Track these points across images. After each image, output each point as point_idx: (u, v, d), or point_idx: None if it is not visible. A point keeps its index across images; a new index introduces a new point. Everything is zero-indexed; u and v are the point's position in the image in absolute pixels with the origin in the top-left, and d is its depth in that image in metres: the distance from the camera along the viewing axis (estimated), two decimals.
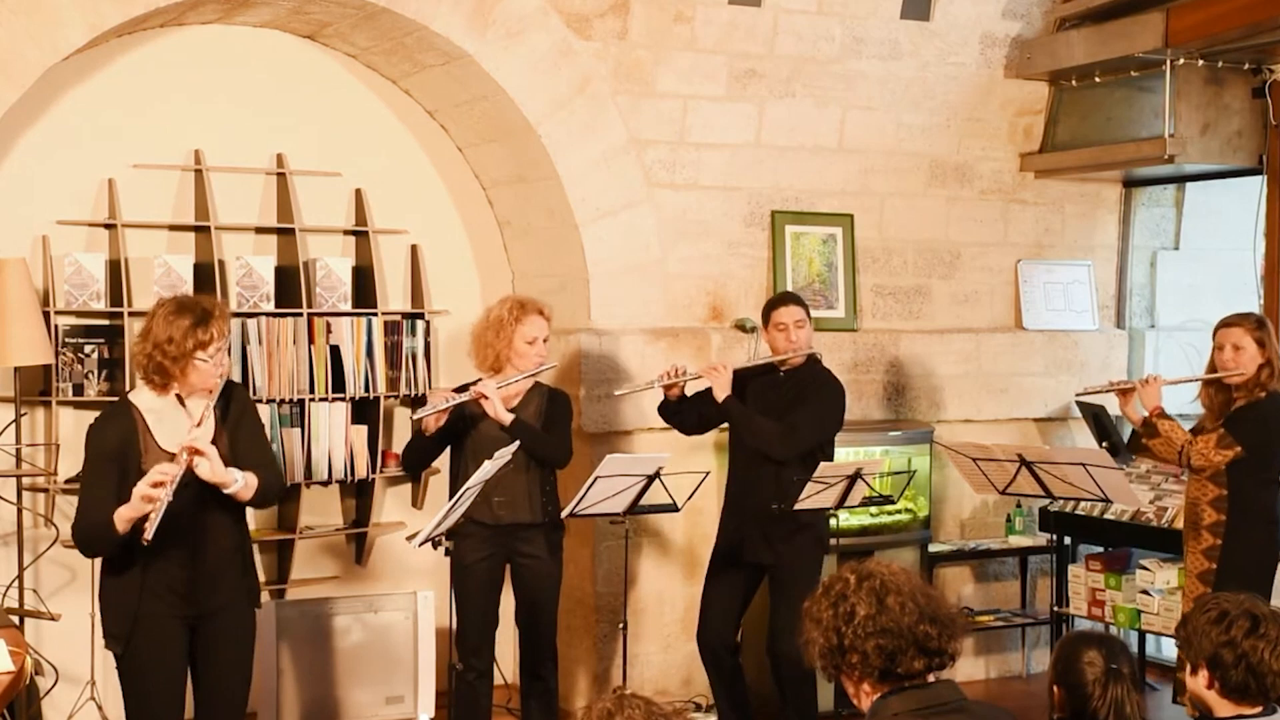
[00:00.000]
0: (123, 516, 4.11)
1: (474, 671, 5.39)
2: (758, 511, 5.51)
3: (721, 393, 5.46)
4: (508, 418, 5.25)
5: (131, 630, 4.27)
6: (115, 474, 4.18)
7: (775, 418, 5.48)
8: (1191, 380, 5.72)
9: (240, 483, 4.26)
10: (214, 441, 4.26)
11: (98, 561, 4.50)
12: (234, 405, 4.42)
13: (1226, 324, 5.41)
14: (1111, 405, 6.39)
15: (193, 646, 4.39)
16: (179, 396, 4.28)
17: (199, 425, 4.21)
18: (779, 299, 5.72)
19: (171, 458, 4.19)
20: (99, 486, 4.21)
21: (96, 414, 4.45)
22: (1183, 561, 5.56)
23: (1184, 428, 5.39)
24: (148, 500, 4.06)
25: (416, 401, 6.47)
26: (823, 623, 2.83)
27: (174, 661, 4.34)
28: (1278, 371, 5.31)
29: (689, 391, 5.65)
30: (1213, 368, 5.41)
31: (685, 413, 5.64)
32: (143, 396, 4.33)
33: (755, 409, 5.52)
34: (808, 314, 5.62)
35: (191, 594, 4.30)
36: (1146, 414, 5.43)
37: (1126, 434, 6.42)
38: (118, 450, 4.21)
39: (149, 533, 4.06)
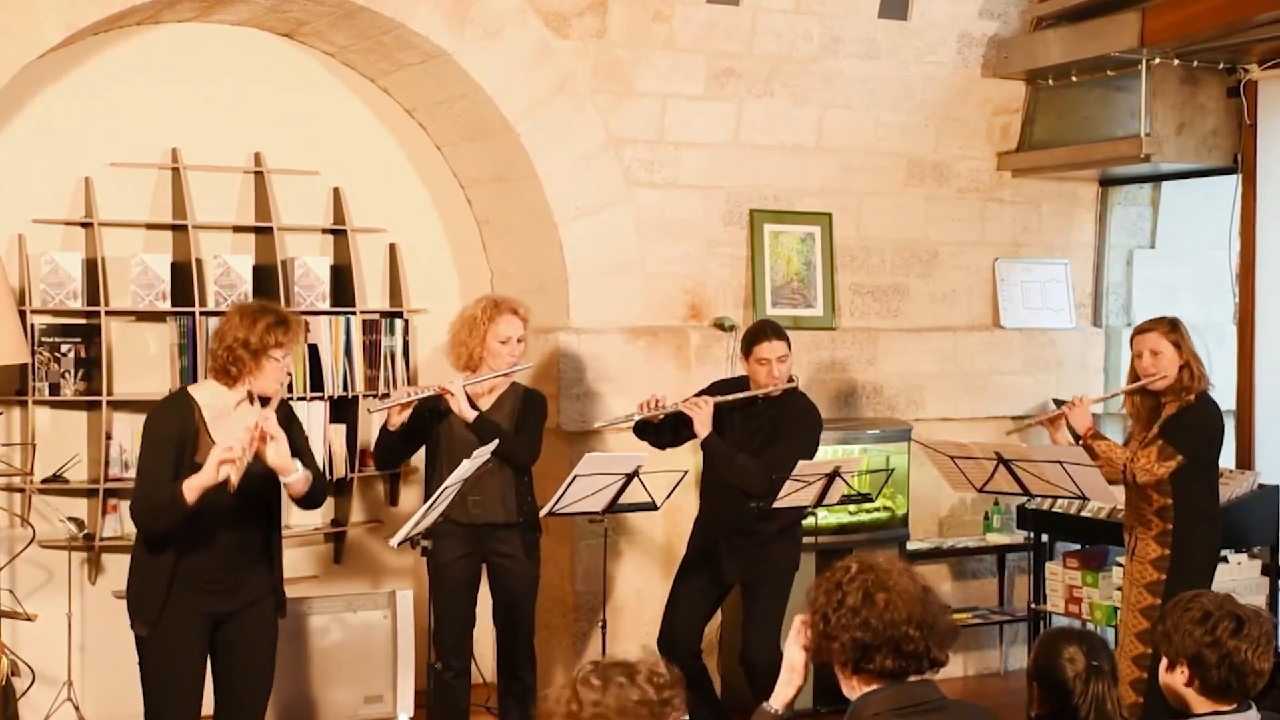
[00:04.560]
0: (193, 486, 4.16)
1: (452, 670, 5.39)
2: (731, 529, 5.52)
3: (703, 429, 5.41)
4: (471, 414, 5.23)
5: (159, 618, 4.32)
6: (175, 456, 4.24)
7: (755, 447, 5.46)
8: (1116, 394, 5.73)
9: (300, 473, 4.34)
10: None
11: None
12: (283, 413, 4.47)
13: (1141, 330, 5.35)
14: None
15: (214, 644, 4.45)
16: (250, 394, 4.35)
17: (267, 408, 4.30)
18: (760, 332, 5.57)
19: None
20: (161, 467, 4.26)
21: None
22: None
23: (1121, 448, 5.30)
24: (222, 465, 4.12)
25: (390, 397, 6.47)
26: (816, 605, 2.84)
27: (194, 656, 4.40)
28: (1198, 371, 5.24)
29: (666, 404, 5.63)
30: (1135, 376, 5.34)
31: (661, 431, 5.62)
32: (203, 392, 4.41)
33: (734, 437, 5.50)
34: (789, 346, 5.56)
35: (219, 589, 4.37)
36: (1080, 436, 5.35)
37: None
38: (176, 437, 4.28)
39: (235, 479, 4.14)
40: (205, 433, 4.32)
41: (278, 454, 4.27)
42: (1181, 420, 5.21)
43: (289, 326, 4.39)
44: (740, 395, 5.56)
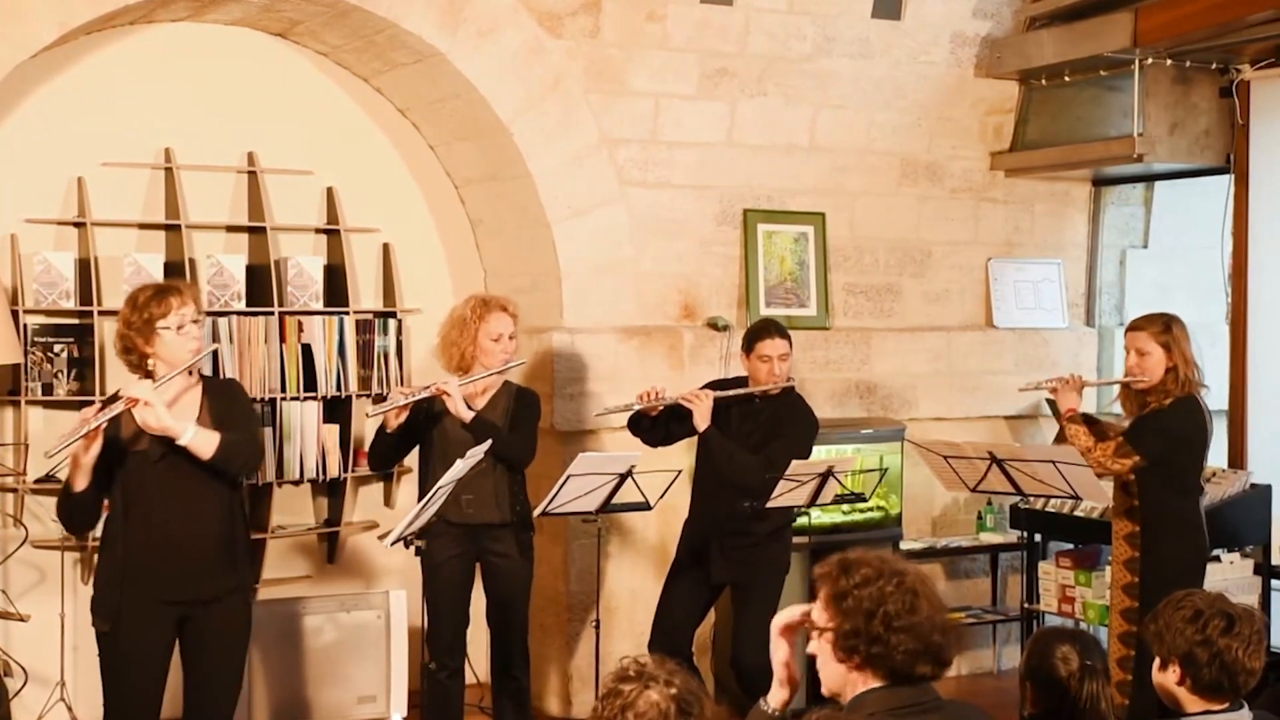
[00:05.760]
0: (72, 467, 4.17)
1: (446, 670, 5.38)
2: (723, 528, 5.52)
3: (702, 422, 5.41)
4: (468, 415, 5.22)
5: (116, 613, 4.31)
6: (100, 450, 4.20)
7: (751, 446, 5.46)
8: (1107, 383, 5.72)
9: (192, 433, 4.24)
10: (199, 418, 4.32)
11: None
12: (221, 389, 4.48)
13: (1133, 328, 5.28)
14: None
15: (182, 639, 4.41)
16: (149, 374, 4.31)
17: (153, 381, 4.25)
18: (763, 329, 5.59)
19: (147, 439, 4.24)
20: None
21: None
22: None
23: (1088, 435, 5.24)
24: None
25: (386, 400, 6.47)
26: (847, 604, 2.78)
27: (155, 649, 4.37)
28: (1184, 376, 5.15)
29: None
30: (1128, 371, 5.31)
31: (655, 428, 5.62)
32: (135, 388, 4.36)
33: (729, 435, 5.47)
34: (790, 345, 5.57)
35: (175, 580, 4.32)
36: (1060, 414, 5.36)
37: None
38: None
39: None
40: (131, 416, 4.25)
41: (156, 418, 4.19)
42: (1148, 422, 5.17)
43: (166, 295, 4.32)
44: (739, 391, 5.56)
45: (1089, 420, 5.40)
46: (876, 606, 2.76)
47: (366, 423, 6.46)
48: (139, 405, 4.18)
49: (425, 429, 5.36)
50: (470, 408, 5.27)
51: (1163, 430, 5.17)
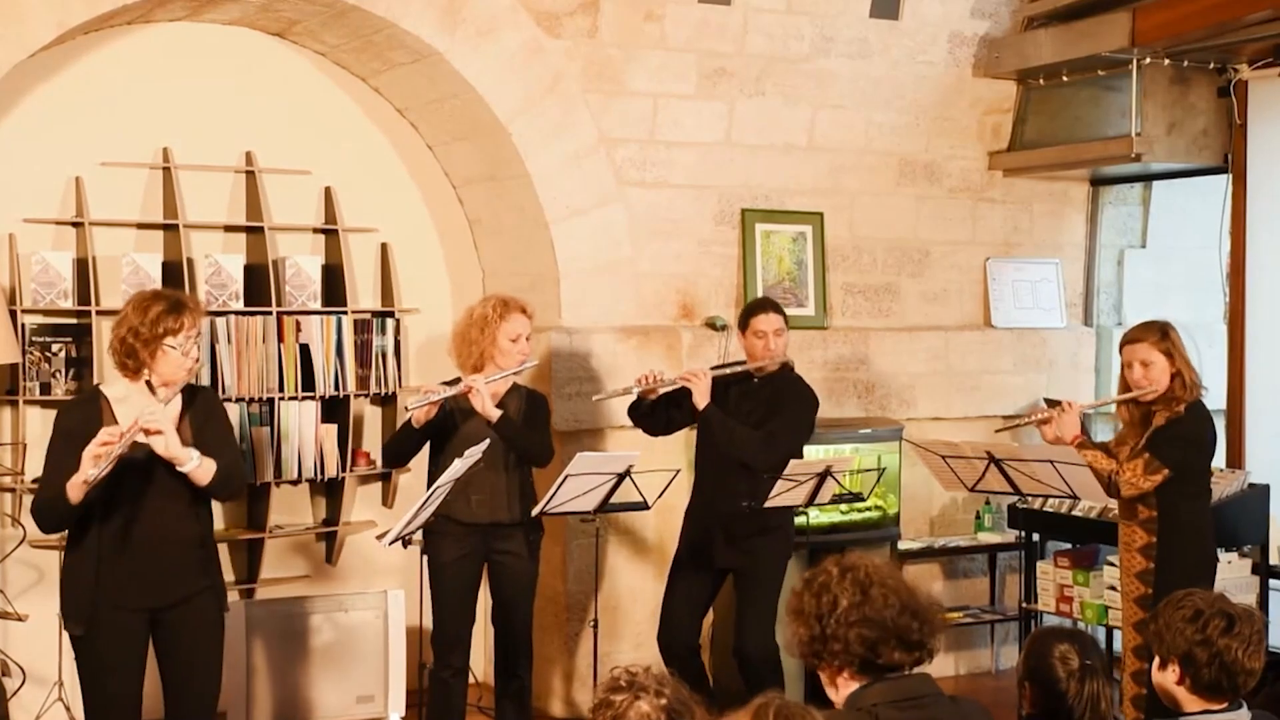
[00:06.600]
0: (74, 484, 4.12)
1: (450, 669, 5.38)
2: (725, 514, 5.52)
3: (702, 400, 5.43)
4: (495, 414, 5.24)
5: (90, 616, 4.30)
6: (74, 453, 4.17)
7: (752, 424, 5.48)
8: (1108, 402, 5.70)
9: (196, 462, 4.26)
10: (178, 431, 4.30)
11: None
12: (201, 403, 4.45)
13: (1130, 340, 5.22)
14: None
15: (156, 642, 4.40)
16: (149, 384, 4.30)
17: (163, 403, 4.24)
18: (759, 305, 5.65)
19: (132, 444, 4.20)
20: (57, 463, 4.23)
21: None
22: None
23: (1107, 458, 5.19)
24: (95, 459, 4.07)
25: (387, 400, 6.47)
26: (805, 613, 2.86)
27: (130, 652, 4.36)
28: (1190, 380, 5.12)
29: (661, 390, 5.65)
30: (1126, 386, 5.23)
31: (655, 415, 5.63)
32: (114, 387, 4.38)
33: (729, 415, 5.50)
34: (786, 321, 5.60)
35: (147, 583, 4.31)
36: (1067, 443, 5.26)
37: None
38: (79, 430, 4.21)
39: (83, 477, 4.07)
40: (114, 423, 4.24)
41: (167, 446, 4.19)
42: (1168, 432, 5.13)
43: (180, 313, 4.30)
44: (737, 368, 5.58)
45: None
46: (830, 609, 2.83)
47: (365, 419, 6.49)
48: (153, 433, 4.19)
49: (445, 427, 5.36)
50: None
51: (1185, 440, 5.12)
